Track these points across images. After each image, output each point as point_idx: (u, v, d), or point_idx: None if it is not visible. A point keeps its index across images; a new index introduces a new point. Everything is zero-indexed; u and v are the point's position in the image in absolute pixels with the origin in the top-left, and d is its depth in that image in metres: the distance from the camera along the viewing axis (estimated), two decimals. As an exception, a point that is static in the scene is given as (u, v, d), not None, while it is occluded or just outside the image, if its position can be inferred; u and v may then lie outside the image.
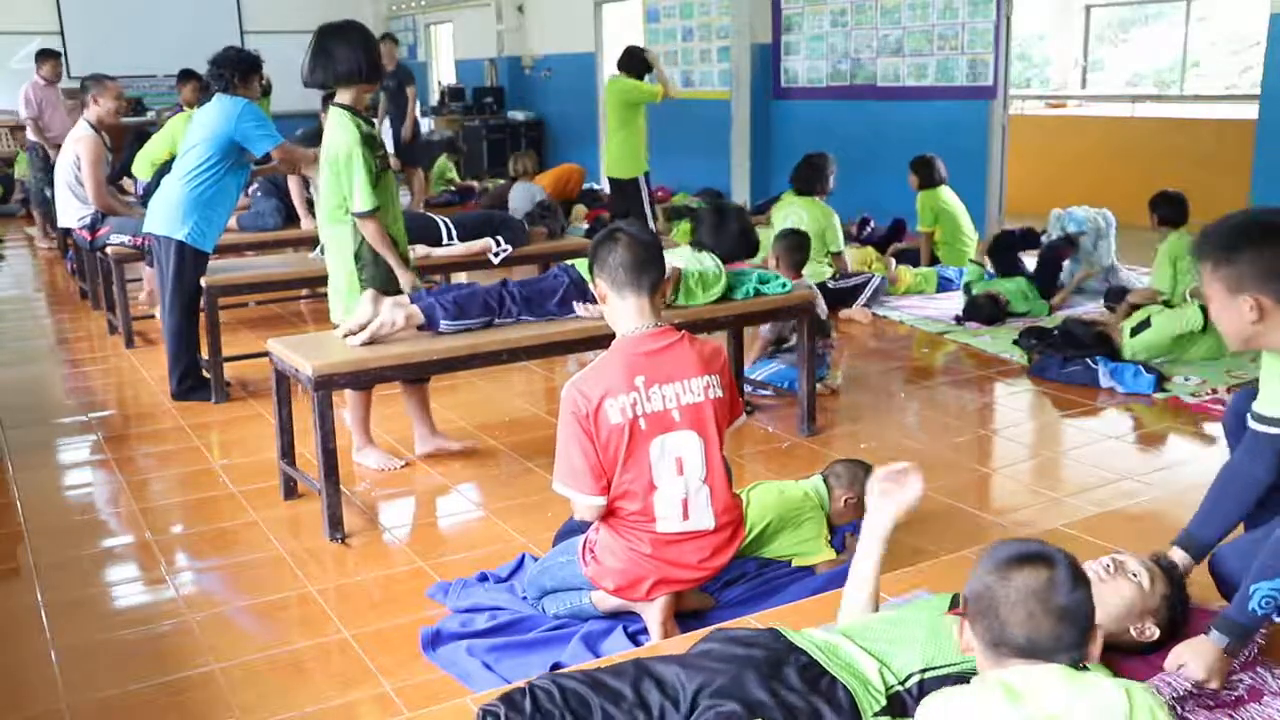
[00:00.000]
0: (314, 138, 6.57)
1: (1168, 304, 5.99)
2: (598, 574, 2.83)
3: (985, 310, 6.36)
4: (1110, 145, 10.55)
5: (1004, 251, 7.14)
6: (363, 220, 3.96)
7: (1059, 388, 5.20)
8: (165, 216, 5.06)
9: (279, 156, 5.15)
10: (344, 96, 3.99)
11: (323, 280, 6.00)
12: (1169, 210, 6.08)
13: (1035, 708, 1.69)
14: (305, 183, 6.64)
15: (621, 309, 2.80)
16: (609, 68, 13.36)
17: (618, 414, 2.68)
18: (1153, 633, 2.34)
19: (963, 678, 2.07)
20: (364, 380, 3.76)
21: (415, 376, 4.11)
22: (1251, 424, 2.40)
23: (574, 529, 3.11)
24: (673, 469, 2.74)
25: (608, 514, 2.80)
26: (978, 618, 1.81)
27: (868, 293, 6.74)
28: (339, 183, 3.95)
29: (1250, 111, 8.03)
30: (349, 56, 3.92)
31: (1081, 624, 1.77)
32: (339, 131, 3.93)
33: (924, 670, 2.09)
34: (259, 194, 6.89)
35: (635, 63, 7.72)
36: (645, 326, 2.78)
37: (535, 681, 2.09)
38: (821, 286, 6.49)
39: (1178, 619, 2.40)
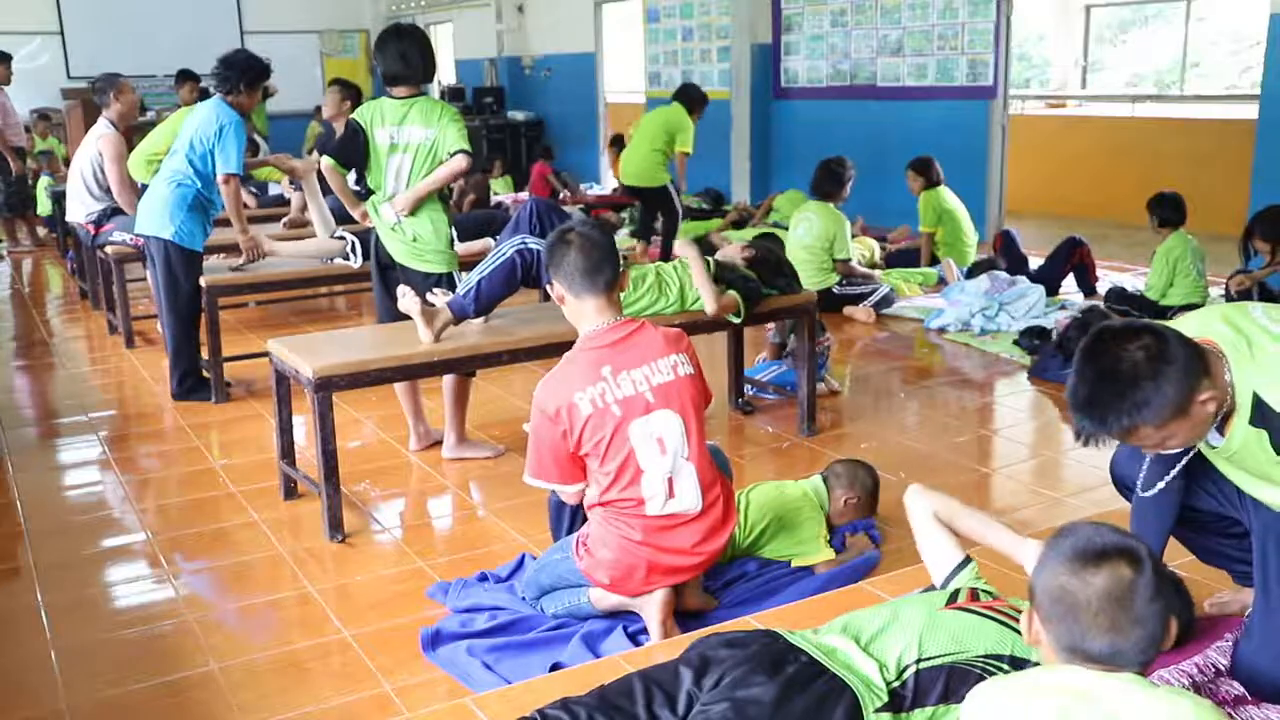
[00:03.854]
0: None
1: (1156, 305, 6.00)
2: (591, 566, 2.84)
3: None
4: (1110, 145, 10.56)
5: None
6: (468, 158, 4.14)
7: (1059, 388, 5.20)
8: (153, 217, 5.07)
9: (223, 186, 5.02)
10: (411, 90, 4.21)
11: (324, 280, 6.06)
12: (1170, 212, 6.09)
13: (1097, 711, 1.61)
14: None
15: (580, 310, 2.86)
16: (609, 68, 13.42)
17: (588, 405, 2.73)
18: None
19: (956, 668, 2.08)
20: (364, 380, 3.75)
21: (417, 377, 4.11)
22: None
23: (558, 504, 3.11)
24: (656, 450, 2.76)
25: (598, 505, 2.82)
26: (1053, 620, 1.69)
27: (873, 299, 6.73)
28: (435, 154, 4.16)
29: (1250, 111, 8.04)
30: (421, 57, 4.20)
31: (1162, 625, 1.65)
32: (445, 107, 4.24)
33: (919, 660, 2.10)
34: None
35: (694, 102, 8.09)
36: (605, 323, 2.84)
37: (546, 710, 2.10)
38: (827, 292, 6.51)
39: (1183, 627, 2.40)
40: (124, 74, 6.85)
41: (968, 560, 2.37)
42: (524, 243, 3.93)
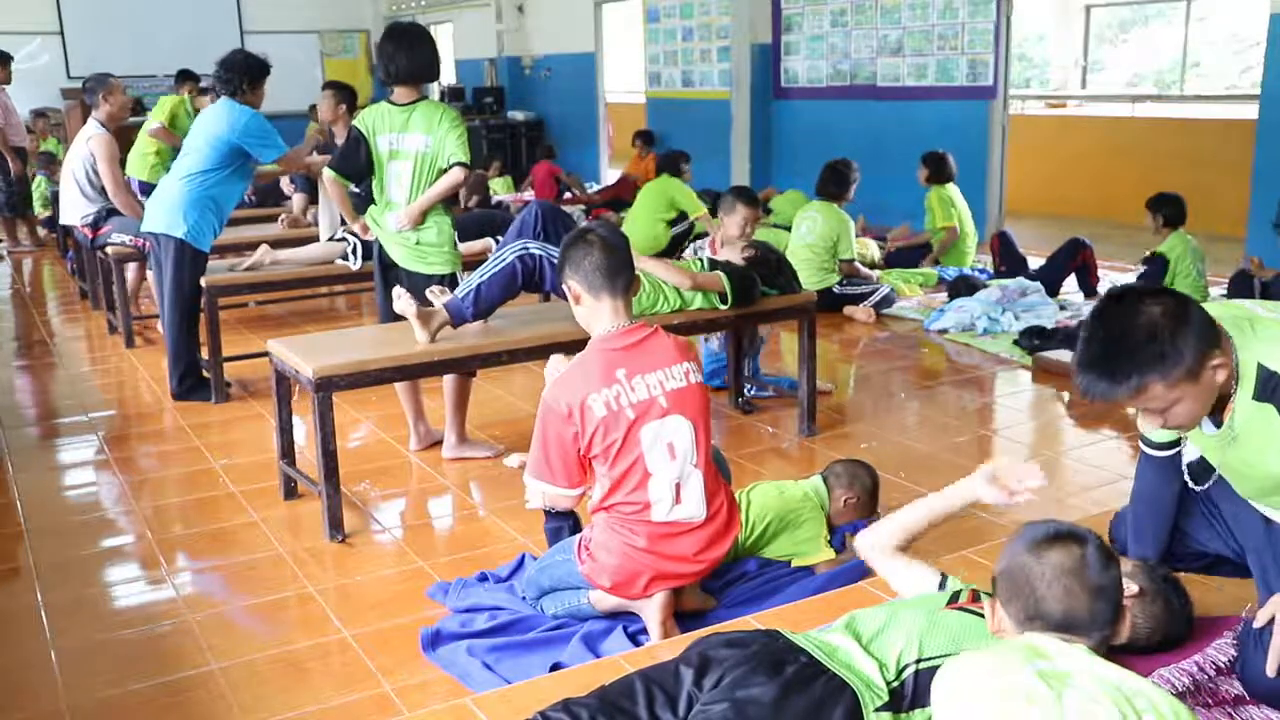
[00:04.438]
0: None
1: None
2: (593, 571, 2.84)
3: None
4: (1110, 145, 10.56)
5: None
6: (460, 168, 4.11)
7: (1060, 385, 5.21)
8: (164, 215, 5.07)
9: (283, 167, 5.44)
10: (414, 93, 4.19)
11: (324, 280, 6.06)
12: (1173, 211, 6.09)
13: (1049, 664, 1.70)
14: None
15: (597, 310, 2.85)
16: (609, 68, 13.42)
17: (602, 407, 2.72)
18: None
19: None
20: (364, 381, 3.75)
21: (417, 377, 4.11)
22: (1148, 450, 2.53)
23: (558, 525, 3.11)
24: (665, 454, 2.76)
25: (602, 509, 2.82)
26: (1011, 597, 1.83)
27: (873, 299, 6.72)
28: (435, 162, 4.14)
29: (1250, 111, 8.04)
30: (428, 56, 4.18)
31: (1113, 600, 1.81)
32: (446, 110, 4.18)
33: (919, 660, 2.10)
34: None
35: (678, 164, 8.17)
36: (620, 325, 2.83)
37: (547, 712, 2.10)
38: (827, 291, 6.51)
39: (1180, 626, 2.40)
40: (124, 74, 6.87)
41: (945, 578, 2.42)
42: (525, 248, 3.92)
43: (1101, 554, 1.82)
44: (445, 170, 4.14)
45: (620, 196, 10.43)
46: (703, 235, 8.08)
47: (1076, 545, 1.82)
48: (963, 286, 6.71)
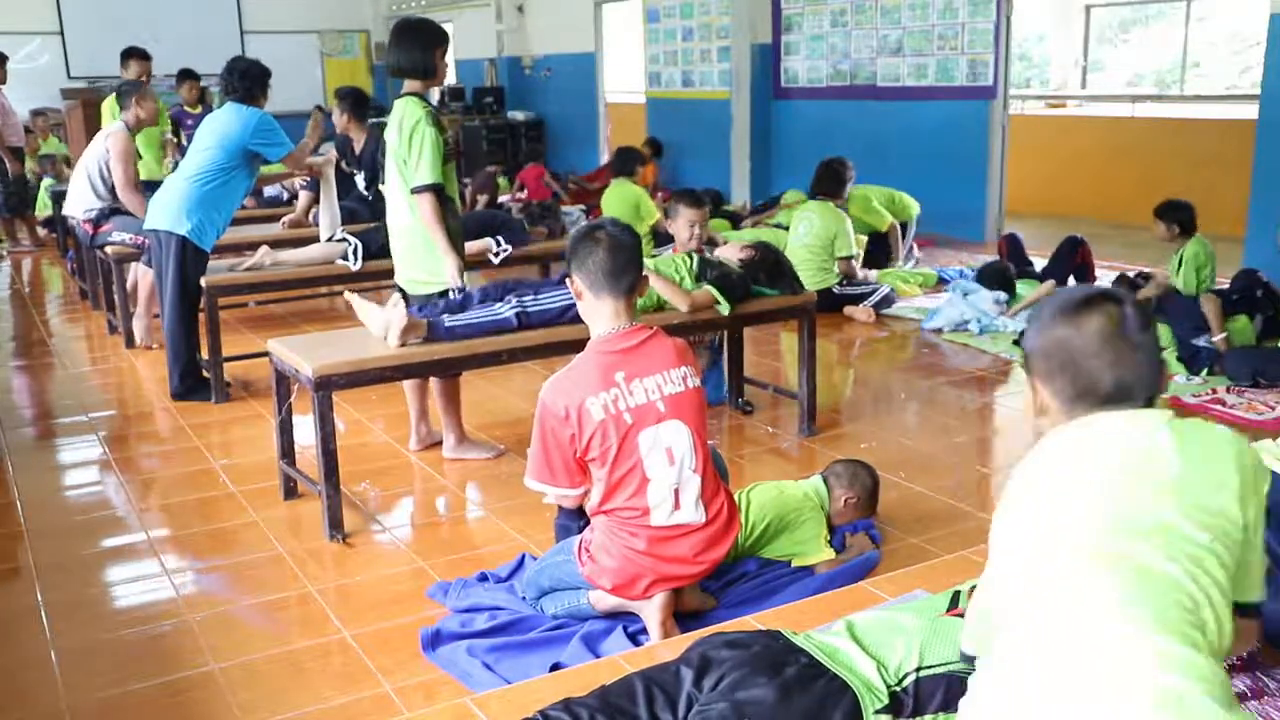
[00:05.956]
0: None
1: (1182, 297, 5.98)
2: (594, 573, 2.84)
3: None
4: (1110, 145, 10.56)
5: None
6: (420, 195, 3.97)
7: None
8: (169, 213, 5.08)
9: (290, 165, 5.53)
10: (410, 87, 4.10)
11: (324, 280, 6.06)
12: (1187, 218, 6.04)
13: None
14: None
15: (598, 309, 2.83)
16: (609, 68, 13.42)
17: (600, 410, 2.71)
18: None
19: (956, 675, 2.08)
20: (364, 380, 3.75)
21: (417, 376, 4.11)
22: None
23: (567, 523, 3.12)
24: (664, 459, 2.76)
25: (601, 512, 2.81)
26: (1055, 374, 1.68)
27: (873, 299, 6.72)
28: (406, 164, 4.03)
29: (1250, 111, 8.03)
30: (414, 53, 4.05)
31: (1157, 356, 1.68)
32: (407, 112, 4.00)
33: (919, 669, 2.10)
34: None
35: (634, 165, 7.74)
36: (620, 327, 2.81)
37: (548, 711, 2.10)
38: (827, 292, 6.51)
39: None
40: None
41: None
42: (523, 307, 3.87)
43: (1139, 311, 1.67)
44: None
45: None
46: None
47: (1113, 304, 1.66)
48: (995, 277, 6.74)
